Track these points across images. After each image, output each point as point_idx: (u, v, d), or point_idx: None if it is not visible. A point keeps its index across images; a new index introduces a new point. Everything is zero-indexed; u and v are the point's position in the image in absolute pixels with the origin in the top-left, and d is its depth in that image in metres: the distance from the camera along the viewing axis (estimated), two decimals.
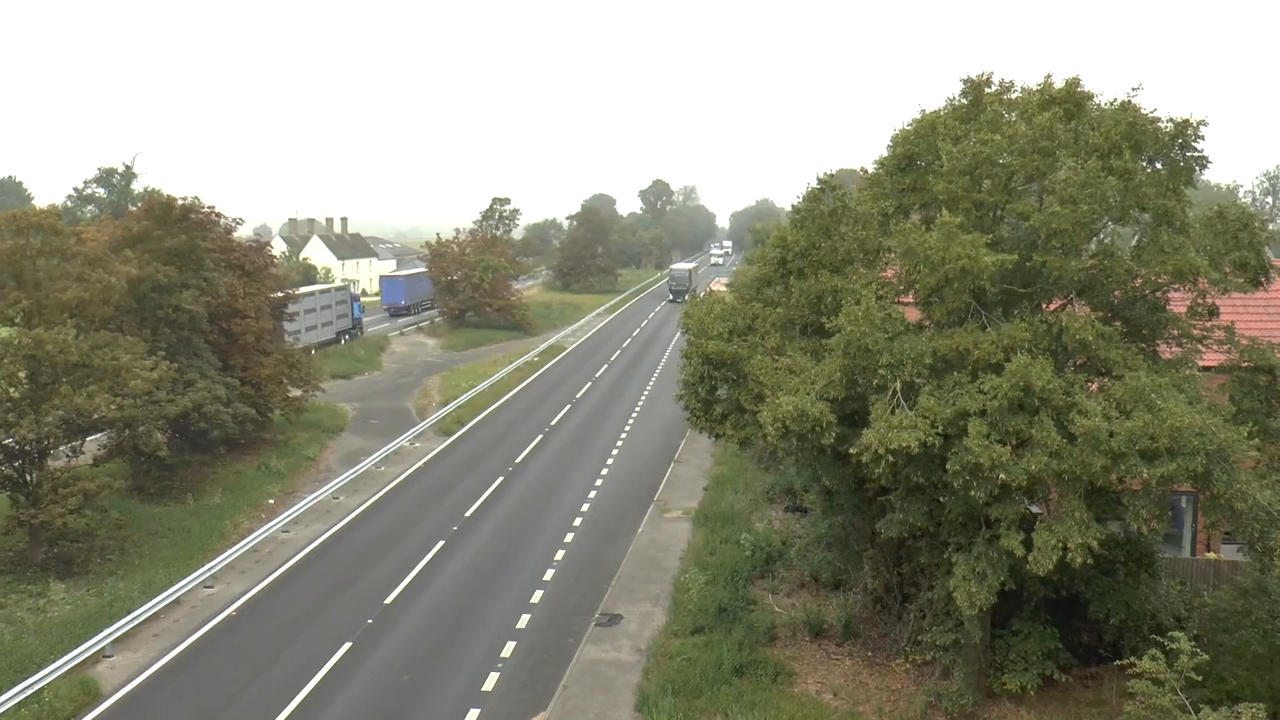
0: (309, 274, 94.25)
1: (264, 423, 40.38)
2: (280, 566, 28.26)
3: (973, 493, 16.54)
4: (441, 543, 30.05)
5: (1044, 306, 18.69)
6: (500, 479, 37.09)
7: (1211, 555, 24.24)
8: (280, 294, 44.74)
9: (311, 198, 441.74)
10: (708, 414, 22.80)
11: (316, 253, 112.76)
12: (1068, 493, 16.44)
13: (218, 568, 27.52)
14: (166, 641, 23.51)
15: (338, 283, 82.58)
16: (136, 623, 23.89)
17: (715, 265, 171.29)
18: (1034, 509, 18.79)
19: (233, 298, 38.72)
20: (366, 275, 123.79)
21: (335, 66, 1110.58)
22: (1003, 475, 16.05)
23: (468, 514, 32.96)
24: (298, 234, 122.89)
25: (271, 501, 34.62)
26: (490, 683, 21.24)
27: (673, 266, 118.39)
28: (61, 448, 28.61)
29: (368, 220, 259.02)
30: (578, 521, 32.16)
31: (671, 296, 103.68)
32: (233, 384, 36.91)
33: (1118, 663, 17.82)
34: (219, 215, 39.89)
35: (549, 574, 27.57)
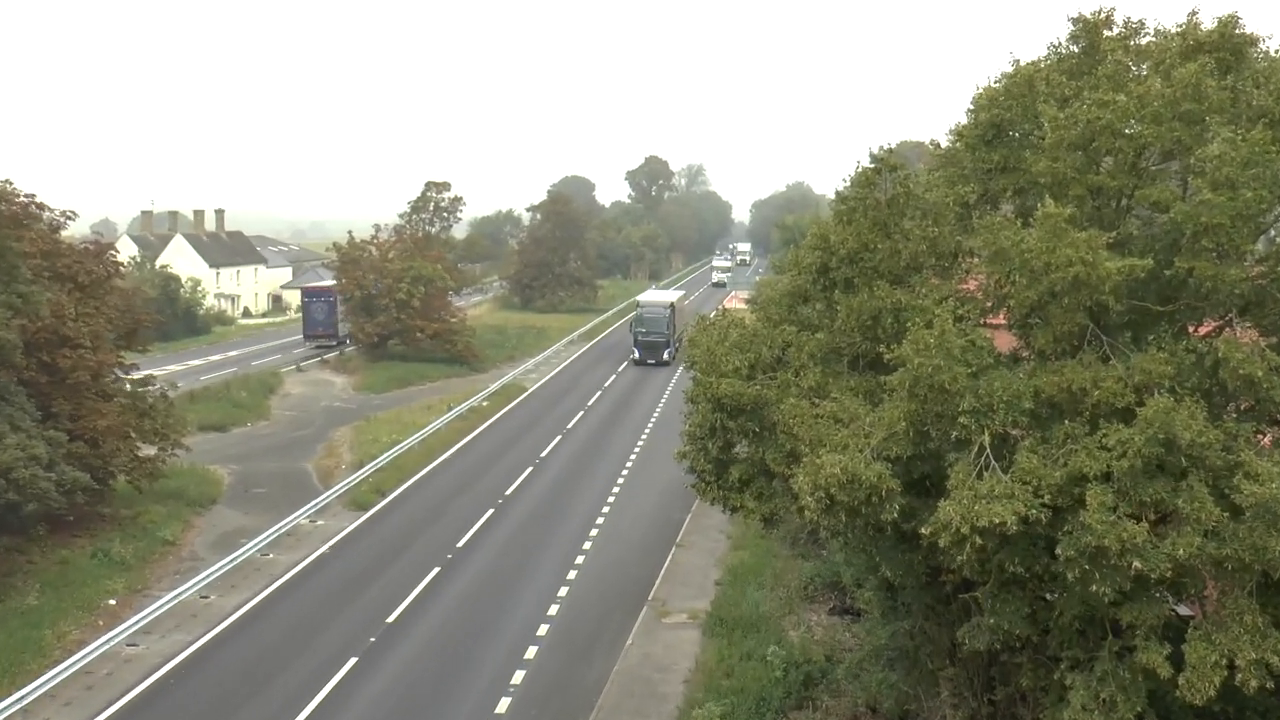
0: (168, 287, 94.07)
1: (102, 493, 40.02)
2: (123, 695, 27.85)
3: (1094, 587, 16.56)
4: (354, 659, 29.83)
5: (1191, 330, 18.75)
6: (436, 570, 36.95)
7: None
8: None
9: (174, 185, 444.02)
10: (721, 480, 22.93)
11: (181, 257, 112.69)
12: (1233, 588, 16.41)
13: (32, 697, 27.07)
14: None
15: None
16: None
17: (721, 285, 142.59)
18: (1183, 610, 18.78)
19: (59, 320, 38.46)
20: (250, 288, 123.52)
21: (204, 10, 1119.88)
22: (1137, 563, 16.05)
23: (390, 619, 32.74)
24: (154, 232, 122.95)
25: (112, 602, 34.25)
26: None
27: (640, 298, 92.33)
28: None
29: (254, 214, 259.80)
30: (543, 630, 31.94)
31: (635, 354, 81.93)
32: (58, 439, 36.59)
33: None
34: (41, 207, 39.72)
35: (503, 704, 27.37)
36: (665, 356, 79.81)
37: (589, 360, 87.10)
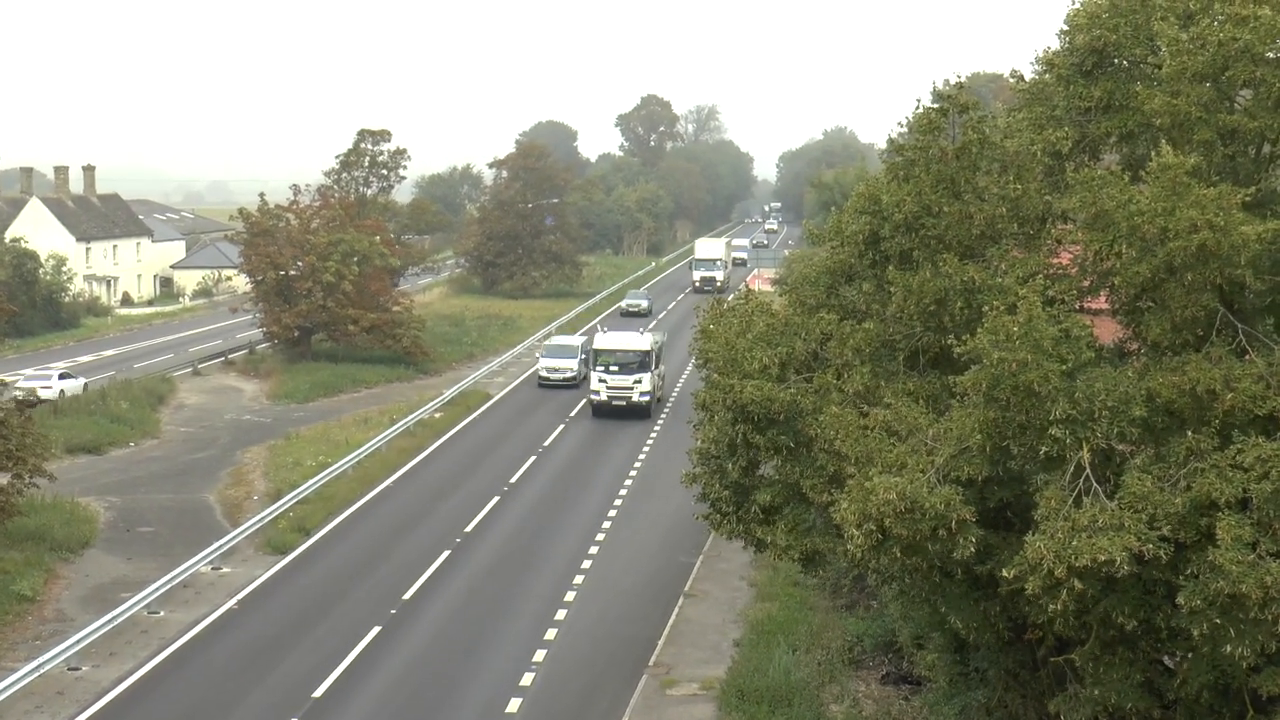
0: (23, 266, 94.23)
1: None
2: None
3: (1228, 647, 16.69)
4: None
5: None
6: (376, 630, 36.94)
7: None
8: None
9: (26, 133, 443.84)
10: (743, 510, 22.91)
11: (38, 228, 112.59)
12: None
13: None
14: None
15: None
16: None
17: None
18: None
19: None
20: (131, 268, 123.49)
21: None
22: None
23: (317, 694, 32.72)
24: (1, 195, 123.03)
25: None
26: None
27: None
28: None
29: (135, 171, 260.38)
30: (514, 705, 31.99)
31: None
32: None
33: None
34: None
35: None
36: None
37: None
